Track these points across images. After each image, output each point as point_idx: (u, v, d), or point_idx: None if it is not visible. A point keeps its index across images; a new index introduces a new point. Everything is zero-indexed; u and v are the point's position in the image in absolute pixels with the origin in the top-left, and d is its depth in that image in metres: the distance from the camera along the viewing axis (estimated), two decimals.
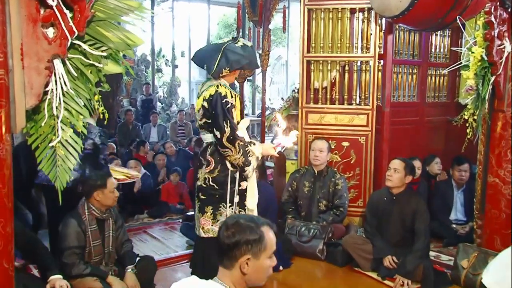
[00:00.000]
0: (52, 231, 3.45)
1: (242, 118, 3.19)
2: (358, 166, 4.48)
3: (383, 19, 4.28)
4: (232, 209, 2.97)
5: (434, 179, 4.75)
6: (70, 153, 1.49)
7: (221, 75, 2.92)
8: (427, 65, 4.91)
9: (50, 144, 1.43)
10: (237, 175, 2.95)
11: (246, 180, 2.99)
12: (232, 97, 2.88)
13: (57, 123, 1.42)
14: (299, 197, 4.18)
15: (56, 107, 1.38)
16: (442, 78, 5.09)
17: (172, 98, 14.41)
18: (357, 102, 4.57)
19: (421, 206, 3.50)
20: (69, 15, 1.24)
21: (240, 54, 2.91)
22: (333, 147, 4.45)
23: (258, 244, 1.56)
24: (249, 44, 3.01)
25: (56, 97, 1.36)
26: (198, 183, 3.01)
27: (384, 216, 3.63)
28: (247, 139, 3.01)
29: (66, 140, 1.47)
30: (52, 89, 1.35)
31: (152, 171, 6.12)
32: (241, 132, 2.98)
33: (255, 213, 3.05)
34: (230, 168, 2.94)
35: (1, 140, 1.10)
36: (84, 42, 1.39)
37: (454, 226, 4.34)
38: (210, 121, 2.89)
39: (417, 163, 4.36)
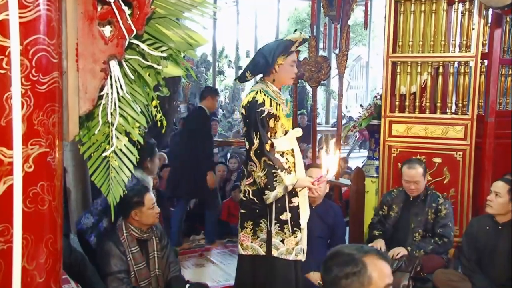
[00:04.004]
0: None
1: (296, 127, 3.29)
2: (453, 187, 4.29)
3: (490, 10, 4.09)
4: (279, 227, 3.02)
5: None
6: (125, 164, 1.53)
7: (248, 78, 3.13)
8: None
9: (104, 154, 1.48)
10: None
11: (298, 196, 3.05)
12: (271, 105, 2.95)
13: (112, 130, 1.46)
14: (389, 225, 4.04)
15: (111, 113, 1.42)
16: None
17: (234, 104, 14.67)
18: (453, 111, 4.38)
19: None
20: (127, 12, 1.28)
21: (263, 55, 3.03)
22: None
23: (361, 277, 1.50)
24: (298, 36, 3.03)
25: (111, 102, 1.41)
26: (240, 196, 3.14)
27: (487, 250, 3.43)
28: (296, 150, 3.12)
29: (121, 150, 1.52)
30: (107, 93, 1.39)
31: None
32: (287, 143, 3.06)
33: (305, 231, 3.11)
34: None
35: (53, 148, 1.15)
36: (143, 42, 1.42)
37: None
38: None
39: None
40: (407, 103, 4.46)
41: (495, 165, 4.24)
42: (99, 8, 1.25)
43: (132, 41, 1.35)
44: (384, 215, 4.08)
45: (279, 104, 3.02)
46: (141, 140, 1.54)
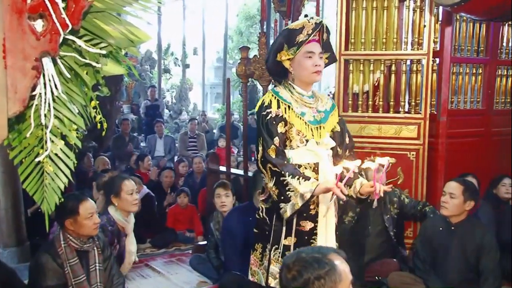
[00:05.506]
0: None
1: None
2: (407, 187, 4.41)
3: (440, 7, 4.24)
4: (280, 253, 2.70)
5: (505, 204, 4.63)
6: (61, 170, 1.49)
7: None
8: (496, 63, 4.83)
9: (37, 159, 1.43)
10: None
11: (312, 220, 2.69)
12: (279, 107, 2.65)
13: (46, 133, 1.42)
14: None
15: (45, 115, 1.38)
16: None
17: (182, 104, 14.58)
18: (406, 110, 4.52)
19: (488, 239, 3.41)
20: (61, 5, 1.24)
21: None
22: None
23: (332, 275, 1.57)
24: (301, 22, 2.69)
25: (45, 102, 1.36)
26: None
27: (441, 251, 3.55)
28: (324, 165, 2.68)
29: (56, 154, 1.47)
30: (40, 93, 1.35)
31: (157, 191, 6.14)
32: (307, 155, 2.69)
33: None
34: None
35: None
36: (79, 38, 1.39)
37: None
38: None
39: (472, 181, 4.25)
40: (360, 102, 4.55)
41: (448, 165, 4.39)
42: (28, 0, 1.20)
43: (68, 36, 1.32)
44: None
45: (291, 107, 2.68)
46: (79, 144, 1.51)
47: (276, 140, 2.62)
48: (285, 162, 2.61)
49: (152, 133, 9.71)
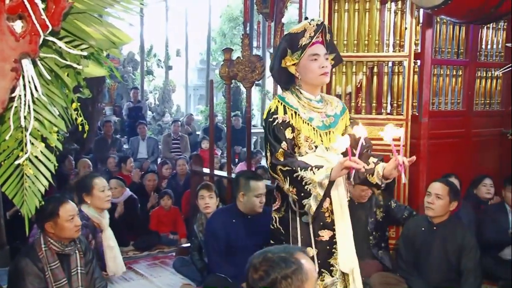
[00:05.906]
0: None
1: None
2: None
3: (421, 10, 4.28)
4: None
5: (485, 204, 4.69)
6: (41, 173, 1.48)
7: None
8: (476, 65, 4.89)
9: (16, 162, 1.42)
10: (310, 218, 2.57)
11: (329, 229, 2.61)
12: (285, 113, 2.57)
13: (26, 136, 1.40)
14: None
15: (25, 117, 1.36)
16: (494, 81, 5.05)
17: (165, 106, 14.51)
18: (388, 111, 4.55)
19: (468, 239, 3.46)
20: (41, 6, 1.23)
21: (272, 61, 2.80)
22: None
23: (299, 274, 1.58)
24: (302, 25, 2.62)
25: (25, 104, 1.35)
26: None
27: (423, 251, 3.59)
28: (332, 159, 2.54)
29: (36, 157, 1.46)
30: (19, 95, 1.34)
31: (140, 193, 6.10)
32: (317, 161, 2.53)
33: (357, 278, 2.68)
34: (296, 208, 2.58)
35: None
36: (60, 39, 1.38)
37: None
38: None
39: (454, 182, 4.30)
40: None
41: (430, 166, 4.42)
42: (7, 1, 1.19)
43: (48, 38, 1.31)
44: None
45: (297, 113, 2.59)
46: (60, 146, 1.49)
47: (284, 144, 2.53)
48: (294, 159, 2.53)
49: (135, 135, 9.65)
